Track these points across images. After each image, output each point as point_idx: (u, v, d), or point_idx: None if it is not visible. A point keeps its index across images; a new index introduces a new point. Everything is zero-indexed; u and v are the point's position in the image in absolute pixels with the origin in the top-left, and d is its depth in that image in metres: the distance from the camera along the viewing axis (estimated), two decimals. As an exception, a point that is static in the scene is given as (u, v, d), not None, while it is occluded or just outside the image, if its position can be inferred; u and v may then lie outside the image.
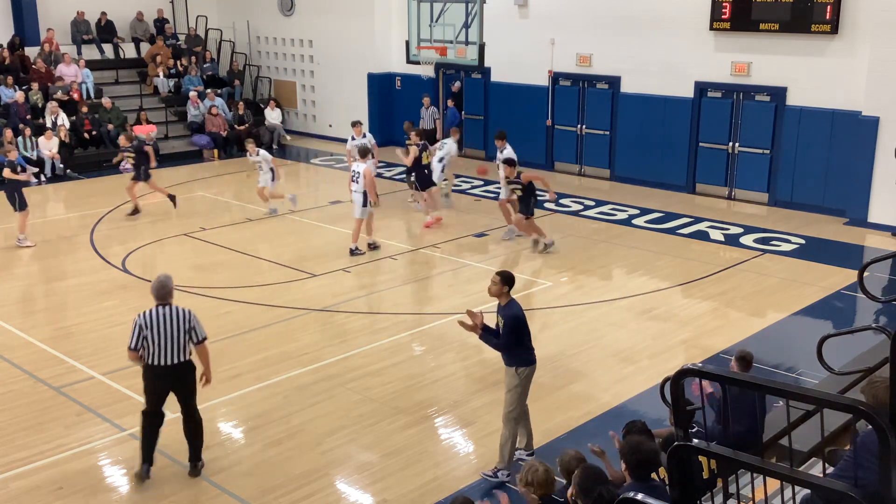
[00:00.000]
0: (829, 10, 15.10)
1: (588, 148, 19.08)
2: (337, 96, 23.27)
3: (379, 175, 17.44)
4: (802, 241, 14.26)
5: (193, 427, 7.48)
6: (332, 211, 16.33)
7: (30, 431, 8.22)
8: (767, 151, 16.49)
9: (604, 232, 14.93)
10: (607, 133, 18.67)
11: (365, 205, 13.27)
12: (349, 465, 7.72)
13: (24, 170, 14.76)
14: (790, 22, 15.58)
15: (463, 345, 9.98)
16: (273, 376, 9.37)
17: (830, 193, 15.70)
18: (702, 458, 5.42)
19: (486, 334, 7.34)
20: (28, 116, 19.90)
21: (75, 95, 21.02)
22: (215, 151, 21.57)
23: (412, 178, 15.75)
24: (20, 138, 19.03)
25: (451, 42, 17.81)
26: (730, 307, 11.45)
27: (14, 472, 7.54)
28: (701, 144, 17.30)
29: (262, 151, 16.15)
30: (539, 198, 14.08)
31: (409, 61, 19.03)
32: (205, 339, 7.32)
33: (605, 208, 16.45)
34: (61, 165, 19.28)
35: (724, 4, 16.30)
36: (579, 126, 19.11)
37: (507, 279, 7.32)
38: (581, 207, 16.52)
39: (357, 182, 13.31)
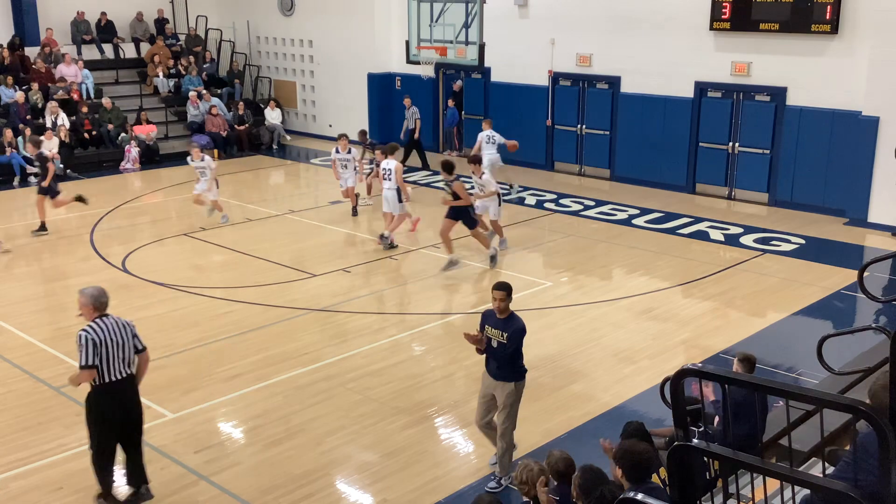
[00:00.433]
0: (829, 10, 15.10)
1: (588, 148, 19.08)
2: (337, 96, 23.28)
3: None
4: (802, 241, 14.26)
5: (139, 470, 7.04)
6: (332, 211, 16.33)
7: (30, 431, 8.22)
8: (767, 151, 16.50)
9: (604, 232, 14.93)
10: (607, 133, 18.68)
11: (400, 200, 13.68)
12: (349, 465, 7.71)
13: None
14: (790, 22, 15.58)
15: (463, 345, 9.95)
16: (273, 376, 9.37)
17: (830, 193, 15.70)
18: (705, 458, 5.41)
19: (490, 348, 7.12)
20: (28, 116, 19.91)
21: (75, 95, 21.03)
22: (215, 151, 21.56)
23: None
24: (20, 138, 19.04)
25: (451, 42, 17.81)
26: (730, 307, 11.45)
27: (14, 472, 7.54)
28: (701, 144, 17.31)
29: (207, 158, 15.45)
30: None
31: (409, 61, 19.02)
32: (146, 347, 6.95)
33: (605, 208, 16.45)
34: (61, 165, 19.25)
35: (724, 4, 16.30)
36: (579, 126, 19.12)
37: (511, 291, 7.11)
38: (581, 207, 16.52)
39: (389, 179, 13.64)
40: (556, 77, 19.21)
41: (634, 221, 15.55)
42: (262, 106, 23.54)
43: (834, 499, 3.82)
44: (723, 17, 16.37)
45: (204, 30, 24.78)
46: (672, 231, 14.95)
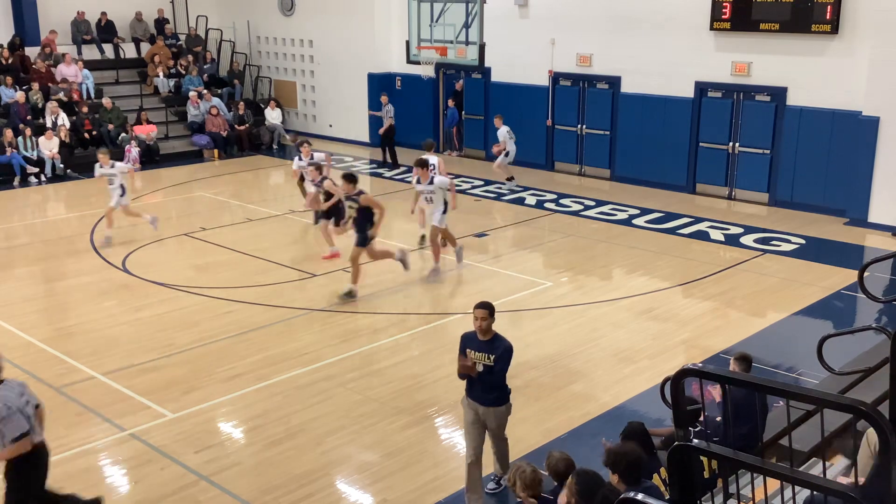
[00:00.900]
0: (829, 10, 15.10)
1: (588, 148, 19.08)
2: (337, 96, 23.27)
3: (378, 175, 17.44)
4: (802, 241, 14.26)
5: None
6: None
7: (30, 431, 8.22)
8: (767, 151, 16.49)
9: (604, 232, 14.92)
10: (607, 133, 18.67)
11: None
12: (349, 465, 7.71)
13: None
14: (790, 22, 15.58)
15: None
16: (273, 376, 9.37)
17: (830, 193, 15.70)
18: (702, 458, 5.42)
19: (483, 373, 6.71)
20: (28, 116, 19.91)
21: (75, 95, 21.03)
22: (215, 151, 21.59)
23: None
24: (20, 138, 19.05)
25: (452, 42, 17.82)
26: (730, 307, 11.45)
27: (14, 472, 7.53)
28: (701, 144, 17.30)
29: (118, 164, 14.34)
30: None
31: (409, 61, 19.03)
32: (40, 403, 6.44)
33: (605, 208, 16.45)
34: (61, 165, 19.28)
35: (724, 4, 16.30)
36: (579, 126, 19.11)
37: (493, 311, 6.70)
38: (581, 207, 16.52)
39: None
40: (556, 77, 19.20)
41: (634, 221, 15.55)
42: (263, 106, 23.54)
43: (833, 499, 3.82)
44: (723, 17, 16.37)
45: (204, 30, 24.79)
46: (672, 231, 14.95)
